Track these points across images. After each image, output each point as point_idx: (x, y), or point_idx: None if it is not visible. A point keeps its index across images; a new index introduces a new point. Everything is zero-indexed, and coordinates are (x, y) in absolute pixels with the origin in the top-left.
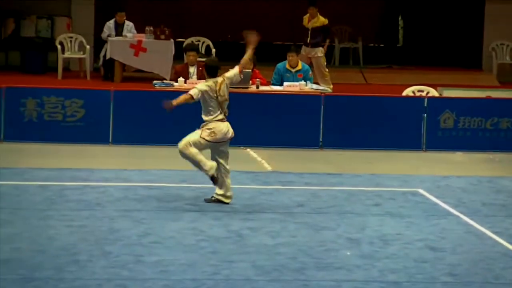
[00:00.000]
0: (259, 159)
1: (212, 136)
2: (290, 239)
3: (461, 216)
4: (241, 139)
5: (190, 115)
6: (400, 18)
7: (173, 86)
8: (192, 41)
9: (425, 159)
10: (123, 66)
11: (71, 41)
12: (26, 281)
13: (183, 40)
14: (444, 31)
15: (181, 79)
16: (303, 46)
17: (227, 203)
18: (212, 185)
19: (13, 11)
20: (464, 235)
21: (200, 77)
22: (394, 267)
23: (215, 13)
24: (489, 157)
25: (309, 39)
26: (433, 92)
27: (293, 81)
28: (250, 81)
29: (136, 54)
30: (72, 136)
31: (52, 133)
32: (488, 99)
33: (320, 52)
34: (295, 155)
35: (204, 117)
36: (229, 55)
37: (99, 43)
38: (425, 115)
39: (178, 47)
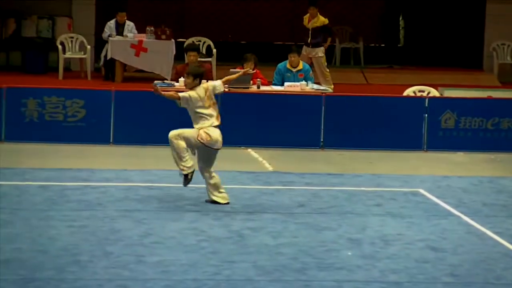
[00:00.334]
0: (260, 159)
1: (207, 140)
2: (291, 239)
3: (462, 216)
4: (242, 139)
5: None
6: (400, 18)
7: (174, 86)
8: (193, 41)
9: (426, 159)
10: (124, 66)
11: (72, 41)
12: (26, 281)
13: (184, 40)
14: (445, 31)
15: (182, 79)
16: (304, 46)
17: (225, 203)
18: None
19: (14, 11)
20: (465, 236)
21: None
22: (395, 268)
23: (216, 13)
24: (490, 157)
25: (309, 39)
26: (434, 92)
27: (294, 81)
28: (251, 81)
29: (137, 54)
30: (73, 136)
31: (53, 133)
32: (489, 99)
33: (320, 52)
34: (296, 155)
35: (200, 125)
36: (230, 55)
37: (100, 43)
38: (426, 115)
39: (179, 47)
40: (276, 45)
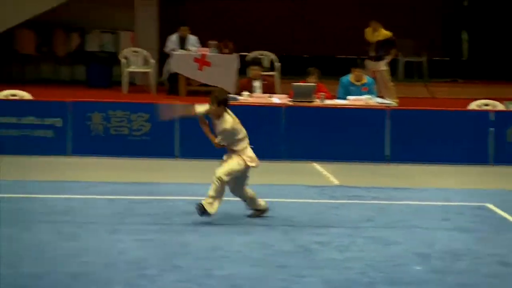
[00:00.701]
0: (325, 173)
1: (257, 162)
2: (358, 253)
3: None
4: (307, 153)
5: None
6: (464, 31)
7: (237, 100)
8: (256, 56)
9: (492, 173)
10: (188, 80)
11: (135, 55)
12: None
13: (247, 54)
14: (509, 44)
15: (245, 93)
16: (367, 60)
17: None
18: (284, 199)
19: (77, 25)
20: None
21: (265, 91)
22: (464, 283)
23: (281, 27)
24: None
25: (372, 52)
26: (499, 106)
27: (358, 95)
28: (315, 95)
29: (200, 68)
30: (138, 150)
31: (118, 147)
32: None
33: (383, 65)
34: (361, 169)
35: (238, 148)
36: (293, 69)
37: (162, 57)
38: (492, 129)
39: (242, 61)
40: (339, 59)
